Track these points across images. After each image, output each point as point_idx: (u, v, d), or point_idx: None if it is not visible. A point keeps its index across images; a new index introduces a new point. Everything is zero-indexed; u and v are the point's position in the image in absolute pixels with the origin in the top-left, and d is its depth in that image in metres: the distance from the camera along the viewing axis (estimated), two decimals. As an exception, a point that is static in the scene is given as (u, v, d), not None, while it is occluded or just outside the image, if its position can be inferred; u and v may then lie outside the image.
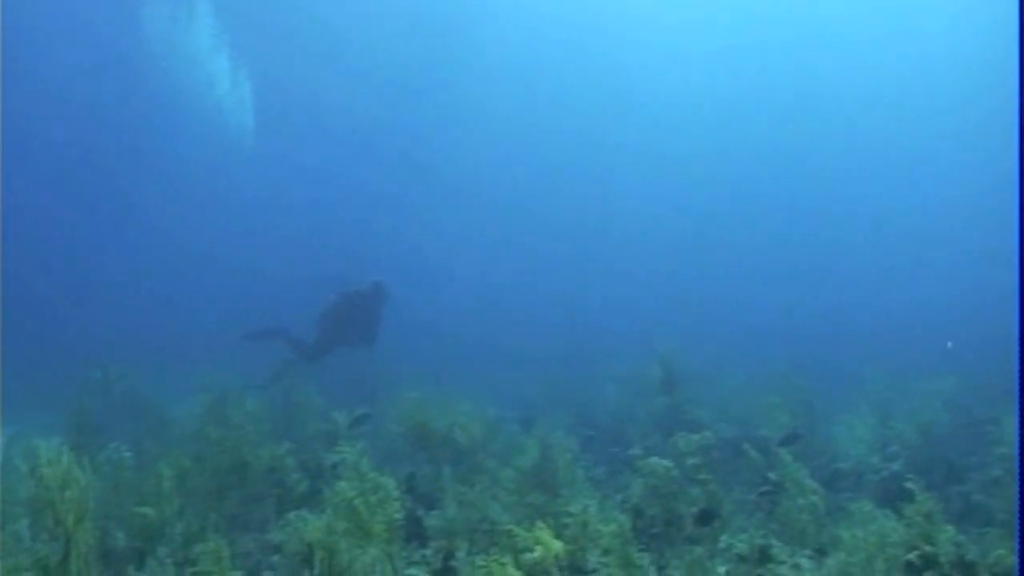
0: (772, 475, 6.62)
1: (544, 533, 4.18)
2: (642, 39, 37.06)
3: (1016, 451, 3.67)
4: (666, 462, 5.55)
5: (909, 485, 4.93)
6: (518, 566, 4.07)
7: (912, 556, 4.51)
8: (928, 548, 4.53)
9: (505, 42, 36.77)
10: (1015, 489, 3.83)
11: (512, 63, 37.76)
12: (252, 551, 6.13)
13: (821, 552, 5.20)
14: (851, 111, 36.73)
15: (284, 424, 8.86)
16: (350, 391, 12.01)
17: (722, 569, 4.68)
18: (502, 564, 3.96)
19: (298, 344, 12.50)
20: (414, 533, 5.54)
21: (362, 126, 37.48)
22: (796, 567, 4.93)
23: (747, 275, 30.41)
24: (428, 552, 5.22)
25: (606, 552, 4.38)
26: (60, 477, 4.11)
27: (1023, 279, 3.40)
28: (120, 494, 6.29)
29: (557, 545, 4.16)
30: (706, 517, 5.28)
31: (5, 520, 5.33)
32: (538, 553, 4.12)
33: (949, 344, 13.66)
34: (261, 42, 29.07)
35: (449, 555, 4.98)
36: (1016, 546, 3.89)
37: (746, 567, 4.65)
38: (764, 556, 4.76)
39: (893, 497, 5.60)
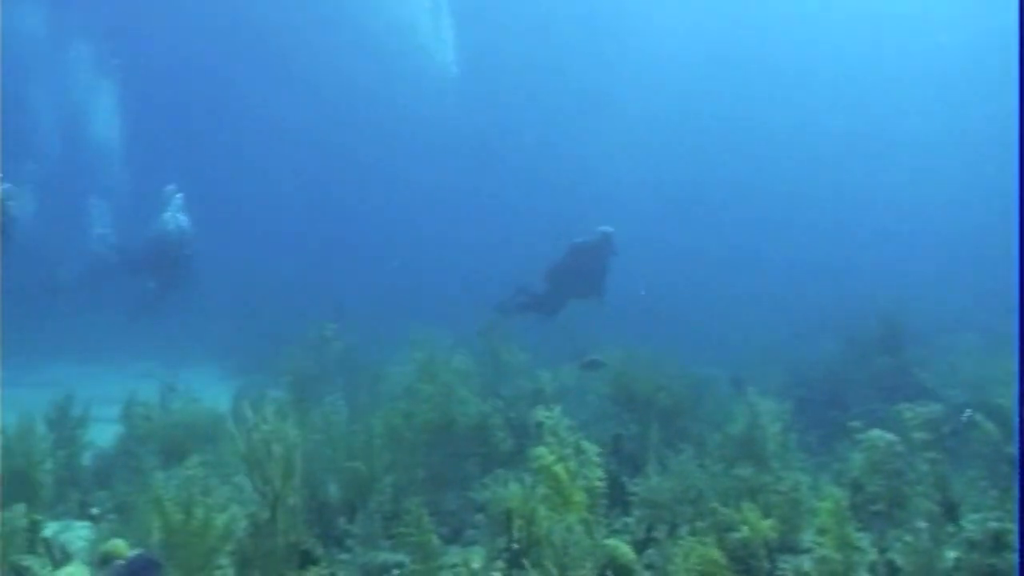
0: (1009, 450, 6.02)
1: (752, 513, 3.94)
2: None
3: (1016, 450, 3.77)
4: (890, 436, 5.13)
5: None
6: (722, 546, 3.87)
7: None
8: None
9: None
10: (1015, 488, 4.01)
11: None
12: (456, 509, 6.22)
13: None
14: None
15: (492, 381, 8.93)
16: (560, 347, 12.02)
17: (951, 555, 4.26)
18: (704, 544, 3.77)
19: (536, 299, 12.58)
20: (618, 499, 5.41)
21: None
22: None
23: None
24: (631, 520, 5.07)
25: (820, 531, 4.08)
26: (267, 436, 4.25)
27: (1023, 279, 3.39)
28: (334, 448, 6.54)
29: (765, 524, 3.91)
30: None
31: (230, 472, 5.64)
32: (745, 533, 3.89)
33: None
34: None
35: (651, 526, 4.82)
36: (1016, 545, 4.01)
37: (978, 554, 4.20)
38: (999, 543, 4.29)
39: None
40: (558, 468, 4.41)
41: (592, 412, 8.14)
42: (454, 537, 5.88)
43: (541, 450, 4.51)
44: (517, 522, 4.09)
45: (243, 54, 35.73)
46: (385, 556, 5.25)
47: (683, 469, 5.18)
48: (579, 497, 4.36)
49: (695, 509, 4.87)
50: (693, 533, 4.41)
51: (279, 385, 10.10)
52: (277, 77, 36.45)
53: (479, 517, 5.98)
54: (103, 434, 8.04)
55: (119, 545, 4.95)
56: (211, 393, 12.43)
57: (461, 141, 35.47)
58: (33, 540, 5.20)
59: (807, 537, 4.38)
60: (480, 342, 9.71)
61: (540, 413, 5.07)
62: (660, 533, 4.73)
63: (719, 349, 13.69)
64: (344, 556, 5.40)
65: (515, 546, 4.14)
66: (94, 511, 5.97)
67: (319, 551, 4.97)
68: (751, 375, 10.45)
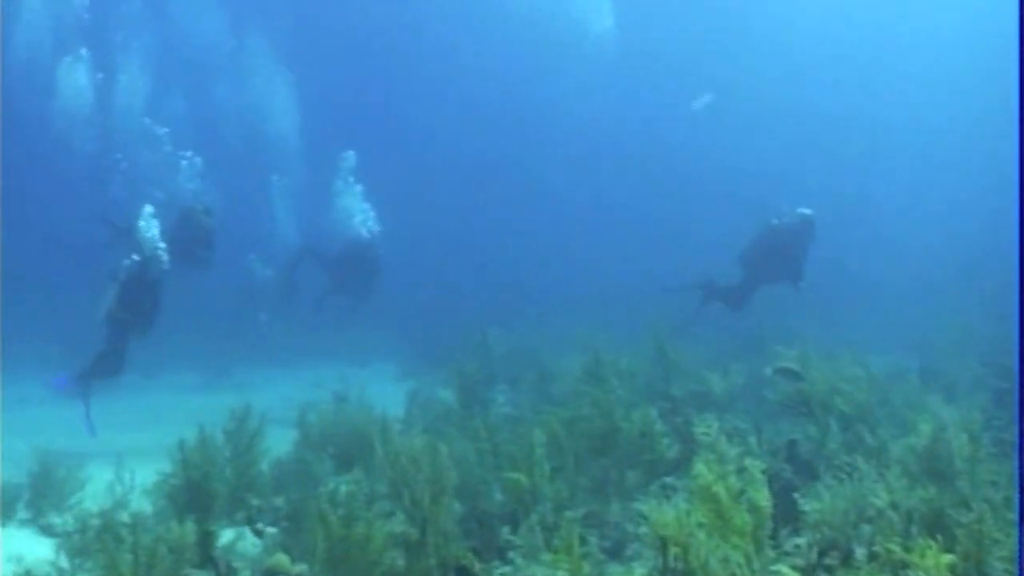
0: None
1: (930, 551, 3.55)
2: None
3: (1016, 450, 3.78)
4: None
5: None
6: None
7: None
8: None
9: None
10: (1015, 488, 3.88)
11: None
12: (619, 520, 6.03)
13: None
14: None
15: (659, 383, 8.69)
16: (733, 344, 11.62)
17: None
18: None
19: (722, 291, 12.21)
20: (790, 514, 5.08)
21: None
22: None
23: None
24: (802, 543, 4.73)
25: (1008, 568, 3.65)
26: (416, 455, 4.21)
27: (1023, 279, 3.32)
28: (496, 456, 6.49)
29: (944, 561, 3.52)
30: None
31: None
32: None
33: None
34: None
35: (824, 551, 4.48)
36: (1017, 545, 3.84)
37: None
38: None
39: None
40: (718, 488, 4.14)
41: (766, 414, 7.77)
42: (616, 551, 5.70)
43: (699, 468, 4.25)
44: (673, 550, 3.87)
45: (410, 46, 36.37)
46: (544, 572, 5.13)
47: (859, 486, 4.79)
48: (742, 520, 4.08)
49: (873, 530, 4.49)
50: (870, 559, 4.07)
51: (449, 386, 10.20)
52: (445, 74, 37.00)
53: (643, 530, 5.78)
54: (283, 438, 8.33)
55: (282, 561, 5.06)
56: (387, 392, 12.79)
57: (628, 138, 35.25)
58: (206, 552, 5.40)
59: (997, 567, 3.94)
60: (648, 341, 9.46)
61: (699, 426, 4.81)
62: (833, 559, 4.39)
63: (905, 337, 12.84)
64: (505, 569, 5.33)
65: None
66: (259, 526, 6.11)
67: (476, 566, 4.92)
68: (943, 366, 9.75)
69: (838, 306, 16.08)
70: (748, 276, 12.02)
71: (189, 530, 4.90)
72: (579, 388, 7.89)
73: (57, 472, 7.56)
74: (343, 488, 5.98)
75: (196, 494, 5.94)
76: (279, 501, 7.25)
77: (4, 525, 7.22)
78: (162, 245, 11.01)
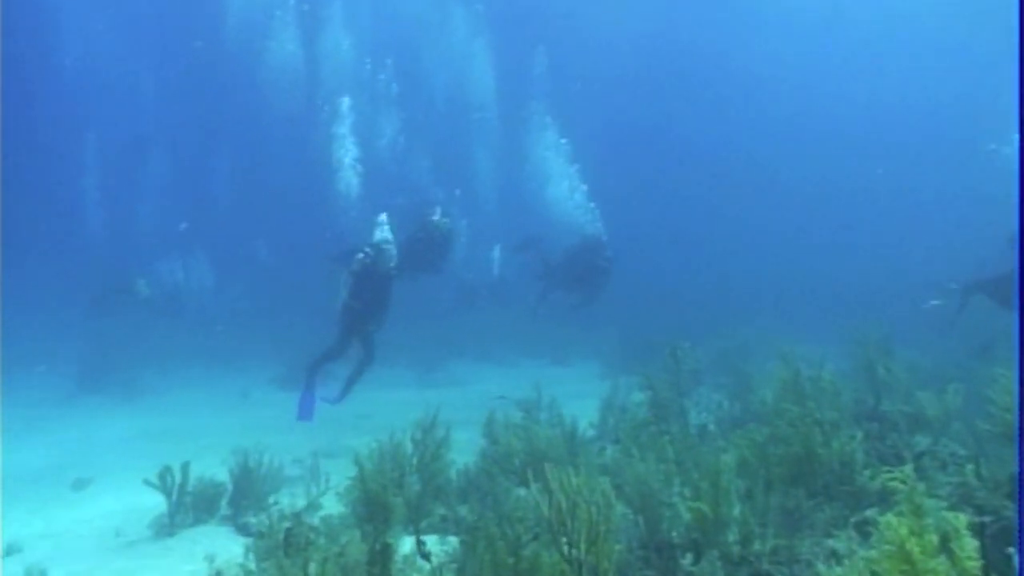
0: None
1: None
2: None
3: (1016, 448, 3.88)
4: None
5: None
6: None
7: None
8: None
9: None
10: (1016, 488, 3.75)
11: None
12: (811, 557, 5.54)
13: None
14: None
15: (866, 402, 8.01)
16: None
17: None
18: None
19: (989, 285, 11.26)
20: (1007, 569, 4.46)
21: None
22: None
23: None
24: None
25: None
26: (573, 495, 3.97)
27: (1023, 279, 3.44)
28: (682, 479, 6.16)
29: None
30: None
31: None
32: None
33: None
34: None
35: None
36: (1016, 545, 3.84)
37: None
38: None
39: None
40: (912, 546, 3.67)
41: (989, 438, 6.96)
42: (808, 593, 5.25)
43: (888, 519, 3.79)
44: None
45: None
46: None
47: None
48: (938, 582, 3.60)
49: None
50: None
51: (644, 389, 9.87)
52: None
53: (839, 571, 5.28)
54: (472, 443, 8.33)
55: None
56: (584, 391, 12.63)
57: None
58: (386, 565, 5.41)
59: None
60: (857, 354, 8.74)
61: (887, 475, 4.30)
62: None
63: None
64: (683, 605, 5.02)
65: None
66: (426, 549, 6.09)
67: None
68: None
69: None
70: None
71: (361, 546, 4.88)
72: (777, 405, 7.39)
73: (258, 471, 7.87)
74: (520, 506, 5.87)
75: (374, 506, 5.97)
76: (463, 510, 7.25)
77: (205, 522, 7.61)
78: (390, 238, 11.35)
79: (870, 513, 5.83)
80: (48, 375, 18.42)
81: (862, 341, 8.45)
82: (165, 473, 7.51)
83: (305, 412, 11.28)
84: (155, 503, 7.60)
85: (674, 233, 33.49)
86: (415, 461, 7.33)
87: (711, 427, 8.62)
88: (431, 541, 6.54)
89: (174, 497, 7.51)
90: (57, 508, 9.03)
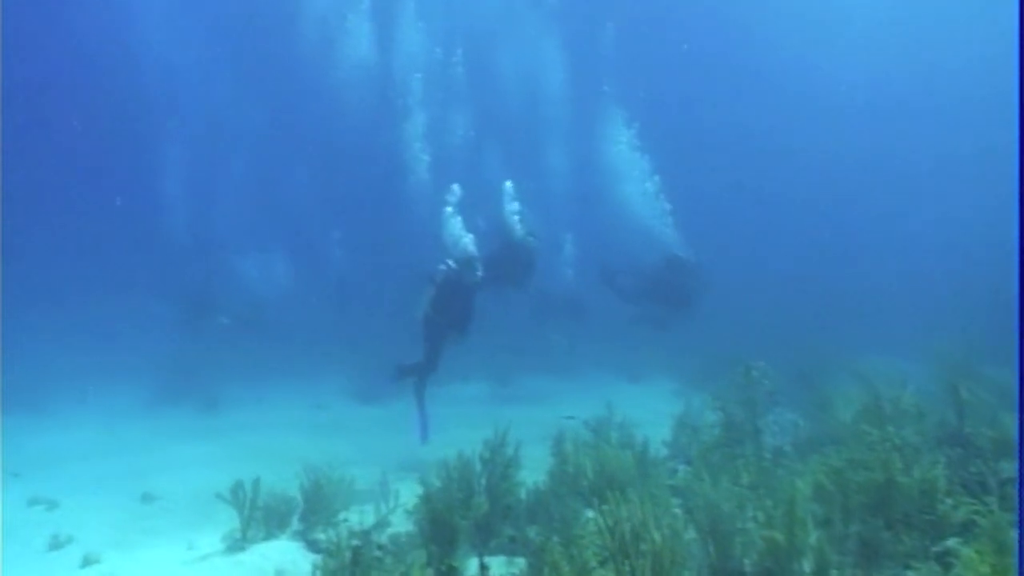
0: None
1: None
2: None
3: (1016, 449, 4.77)
4: None
5: None
6: None
7: None
8: None
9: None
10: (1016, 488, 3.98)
11: None
12: (892, 592, 5.33)
13: None
14: None
15: (951, 426, 7.69)
16: None
17: None
18: None
19: None
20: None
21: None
22: None
23: None
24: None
25: None
26: (636, 527, 3.87)
27: (1023, 279, 3.30)
28: (756, 505, 6.00)
29: None
30: None
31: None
32: None
33: None
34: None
35: None
36: (1016, 546, 3.70)
37: None
38: None
39: None
40: (994, 585, 3.50)
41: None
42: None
43: (970, 555, 3.62)
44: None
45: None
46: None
47: None
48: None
49: None
50: None
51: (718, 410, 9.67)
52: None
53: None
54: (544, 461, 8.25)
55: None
56: (657, 408, 12.46)
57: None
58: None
59: None
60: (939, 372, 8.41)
61: (970, 506, 4.11)
62: None
63: None
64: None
65: None
66: (489, 573, 6.03)
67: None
68: None
69: None
70: None
71: (426, 570, 4.86)
72: (856, 428, 7.18)
73: (329, 487, 7.91)
74: (588, 529, 5.78)
75: (440, 527, 5.96)
76: (532, 532, 7.18)
77: (276, 537, 7.68)
78: (472, 251, 11.38)
79: (952, 543, 5.60)
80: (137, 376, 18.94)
81: (944, 358, 8.15)
82: (237, 488, 7.60)
83: (423, 433, 11.42)
84: (227, 515, 7.70)
85: (752, 236, 32.84)
86: (483, 481, 7.33)
87: (787, 448, 8.37)
88: (498, 563, 6.48)
89: (246, 511, 7.59)
90: (129, 520, 9.22)
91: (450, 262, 11.26)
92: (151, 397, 18.01)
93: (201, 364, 18.68)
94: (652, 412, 12.00)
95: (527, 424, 10.12)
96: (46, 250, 34.92)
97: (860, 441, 6.74)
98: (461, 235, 11.73)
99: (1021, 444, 3.61)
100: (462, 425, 11.46)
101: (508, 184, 13.10)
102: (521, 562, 6.42)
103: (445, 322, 11.28)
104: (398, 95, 19.93)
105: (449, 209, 12.15)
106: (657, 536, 3.87)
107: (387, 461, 10.81)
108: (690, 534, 5.67)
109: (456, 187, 12.55)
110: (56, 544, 8.29)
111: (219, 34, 30.74)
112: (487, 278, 11.53)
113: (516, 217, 12.77)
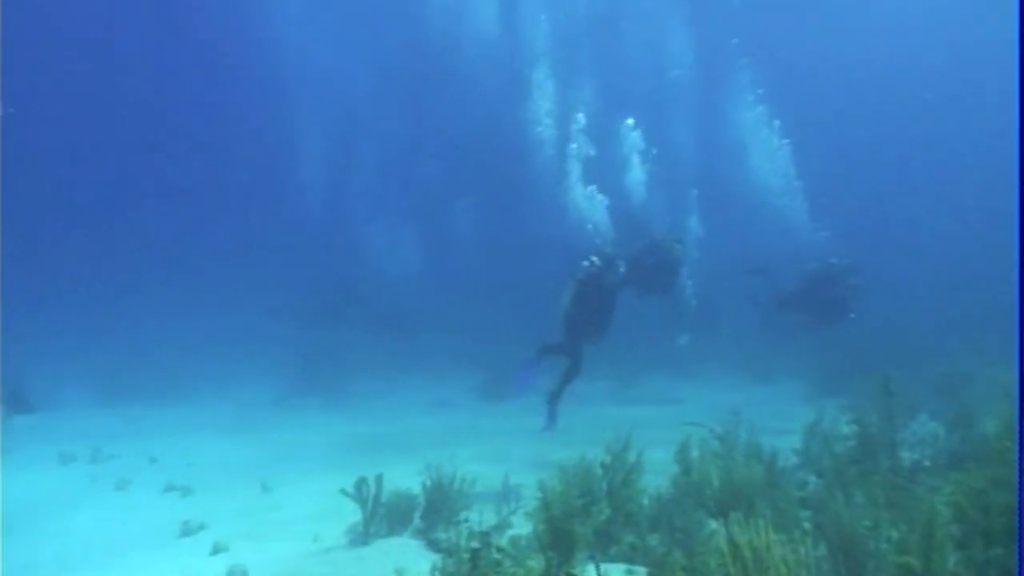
0: None
1: None
2: None
3: (1017, 450, 3.67)
4: None
5: None
6: None
7: None
8: None
9: None
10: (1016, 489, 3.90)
11: None
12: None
13: None
14: None
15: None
16: None
17: None
18: None
19: None
20: None
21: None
22: None
23: None
24: None
25: None
26: (759, 552, 3.69)
27: (1023, 279, 3.35)
28: (891, 525, 5.70)
29: None
30: None
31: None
32: None
33: None
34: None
35: None
36: (1016, 546, 3.88)
37: None
38: None
39: None
40: None
41: None
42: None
43: None
44: None
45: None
46: None
47: None
48: None
49: None
50: None
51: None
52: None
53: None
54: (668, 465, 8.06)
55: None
56: (787, 413, 12.05)
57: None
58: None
59: None
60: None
61: None
62: None
63: None
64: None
65: None
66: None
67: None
68: None
69: None
70: None
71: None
72: (1000, 444, 6.73)
73: (451, 486, 7.93)
74: (711, 542, 5.61)
75: (559, 533, 5.88)
76: (654, 540, 7.03)
77: (399, 534, 7.75)
78: (611, 251, 11.28)
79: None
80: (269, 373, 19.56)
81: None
82: (361, 483, 7.71)
83: (549, 424, 11.30)
84: (351, 509, 7.81)
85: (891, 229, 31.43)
86: (604, 486, 7.21)
87: (926, 463, 7.95)
88: (618, 571, 6.36)
89: (369, 507, 7.70)
90: (257, 509, 9.51)
91: (594, 259, 11.07)
92: (284, 389, 18.59)
93: (333, 357, 19.14)
94: (781, 417, 11.61)
95: (650, 427, 9.96)
96: (211, 255, 36.24)
97: (1004, 459, 6.32)
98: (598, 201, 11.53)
99: (1021, 444, 3.46)
100: (585, 425, 11.38)
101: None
102: (641, 572, 6.29)
103: (584, 320, 11.11)
104: (523, 71, 19.73)
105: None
106: (781, 567, 3.68)
107: (510, 460, 10.83)
108: (820, 550, 5.44)
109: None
110: (188, 531, 8.64)
111: (350, 25, 31.36)
112: (630, 279, 11.32)
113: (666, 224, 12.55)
